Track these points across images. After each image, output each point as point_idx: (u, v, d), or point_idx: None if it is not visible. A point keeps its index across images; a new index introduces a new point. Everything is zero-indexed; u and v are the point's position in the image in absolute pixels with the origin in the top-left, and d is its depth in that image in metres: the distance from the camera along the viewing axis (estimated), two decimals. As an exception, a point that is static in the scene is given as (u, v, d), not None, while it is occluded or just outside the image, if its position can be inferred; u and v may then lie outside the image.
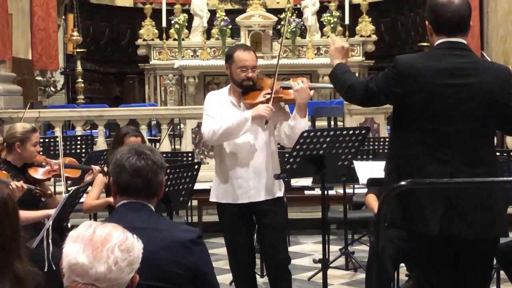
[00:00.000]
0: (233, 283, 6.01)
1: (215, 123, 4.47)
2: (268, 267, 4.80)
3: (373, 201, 5.15)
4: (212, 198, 4.68)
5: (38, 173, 5.06)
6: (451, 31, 3.45)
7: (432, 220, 3.38)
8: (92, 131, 9.75)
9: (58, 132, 9.11)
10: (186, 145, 9.11)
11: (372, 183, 5.22)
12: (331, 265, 6.28)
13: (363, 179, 5.39)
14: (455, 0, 3.46)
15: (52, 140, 7.28)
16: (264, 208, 4.56)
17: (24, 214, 4.63)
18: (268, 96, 4.48)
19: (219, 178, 4.62)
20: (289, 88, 4.53)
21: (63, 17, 14.27)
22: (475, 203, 3.38)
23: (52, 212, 4.58)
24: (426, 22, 3.53)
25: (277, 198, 4.61)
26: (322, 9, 13.79)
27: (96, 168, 5.29)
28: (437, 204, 3.37)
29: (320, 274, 5.20)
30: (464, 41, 3.49)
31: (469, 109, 3.39)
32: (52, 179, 5.86)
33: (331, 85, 4.04)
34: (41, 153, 5.35)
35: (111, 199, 4.66)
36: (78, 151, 7.20)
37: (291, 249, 7.31)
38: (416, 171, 3.38)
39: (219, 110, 4.54)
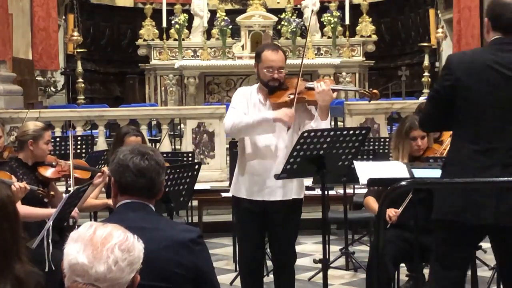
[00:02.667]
0: (233, 283, 6.03)
1: (237, 116, 4.48)
2: (275, 264, 4.85)
3: (372, 203, 5.15)
4: (231, 192, 4.70)
5: (48, 172, 5.06)
6: (507, 30, 3.62)
7: (486, 208, 3.48)
8: (93, 131, 9.75)
9: (58, 132, 9.13)
10: (187, 145, 9.12)
11: (373, 183, 5.22)
12: (331, 265, 6.28)
13: (363, 179, 5.37)
14: None
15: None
16: (277, 208, 4.56)
17: (30, 210, 4.66)
18: (292, 96, 4.48)
19: (239, 172, 4.64)
20: (313, 89, 4.50)
21: (64, 17, 14.27)
22: None
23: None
24: (485, 18, 3.71)
25: (293, 200, 4.61)
26: (323, 9, 13.79)
27: (106, 171, 5.19)
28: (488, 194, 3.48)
29: (321, 274, 5.20)
30: None
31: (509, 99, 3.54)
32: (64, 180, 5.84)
33: (354, 88, 4.13)
34: (51, 152, 5.33)
35: (110, 202, 4.66)
36: (78, 151, 7.19)
37: (291, 249, 7.32)
38: (457, 163, 3.53)
39: (245, 105, 4.55)
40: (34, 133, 4.99)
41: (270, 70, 4.51)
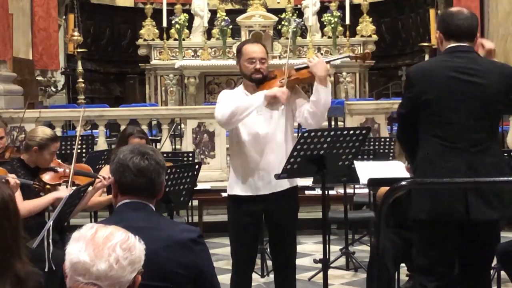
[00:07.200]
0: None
1: (227, 105, 4.43)
2: (276, 266, 4.77)
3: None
4: (231, 191, 4.60)
5: (49, 178, 5.00)
6: (460, 37, 3.75)
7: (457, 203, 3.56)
8: (93, 131, 9.74)
9: (59, 132, 9.13)
10: (187, 145, 9.12)
11: (373, 183, 5.22)
12: (331, 265, 6.28)
13: (363, 179, 5.39)
14: (465, 11, 3.82)
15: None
16: (283, 198, 4.51)
17: (33, 203, 4.67)
18: (284, 81, 4.47)
19: (238, 170, 4.57)
20: (304, 68, 4.53)
21: (64, 17, 14.27)
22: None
23: (61, 194, 4.60)
24: (437, 31, 3.86)
25: (295, 187, 4.57)
26: (323, 9, 13.80)
27: (108, 178, 5.06)
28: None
29: (321, 274, 5.21)
30: (472, 46, 3.79)
31: (474, 106, 3.65)
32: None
33: (345, 54, 4.30)
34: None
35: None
36: (79, 151, 7.18)
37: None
38: (429, 167, 3.61)
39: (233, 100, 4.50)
40: (40, 141, 4.95)
41: (252, 61, 4.49)
